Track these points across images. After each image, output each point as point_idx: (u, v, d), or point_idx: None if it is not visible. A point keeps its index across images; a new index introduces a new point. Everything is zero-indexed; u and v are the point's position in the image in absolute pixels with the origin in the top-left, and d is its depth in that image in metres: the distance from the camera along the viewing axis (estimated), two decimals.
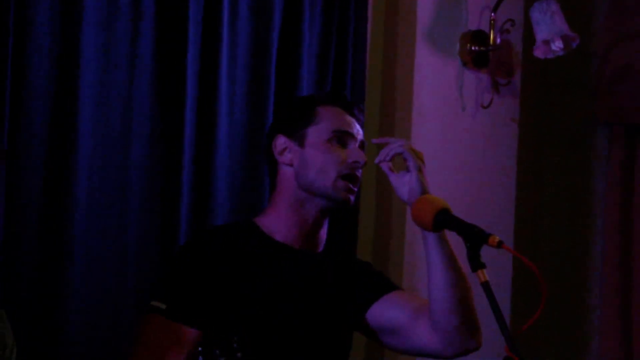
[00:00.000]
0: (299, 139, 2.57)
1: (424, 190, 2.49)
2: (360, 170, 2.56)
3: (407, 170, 2.52)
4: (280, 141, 2.59)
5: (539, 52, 3.67)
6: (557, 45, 3.65)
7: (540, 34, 3.64)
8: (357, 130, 2.59)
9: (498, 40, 3.73)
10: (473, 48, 3.72)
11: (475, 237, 2.18)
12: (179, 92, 3.07)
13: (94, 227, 2.93)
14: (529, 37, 3.75)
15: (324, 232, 2.60)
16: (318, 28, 3.42)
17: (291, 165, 2.56)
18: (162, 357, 2.39)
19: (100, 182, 2.95)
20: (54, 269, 2.86)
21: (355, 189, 2.56)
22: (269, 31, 3.29)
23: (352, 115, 2.60)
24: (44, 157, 2.86)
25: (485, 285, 2.12)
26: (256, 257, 2.52)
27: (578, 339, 4.03)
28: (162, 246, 3.04)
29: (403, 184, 2.52)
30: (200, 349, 2.16)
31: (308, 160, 2.55)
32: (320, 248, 2.60)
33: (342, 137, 2.56)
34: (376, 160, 2.54)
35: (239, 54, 3.24)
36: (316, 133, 2.56)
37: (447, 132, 3.70)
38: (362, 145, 2.60)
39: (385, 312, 2.56)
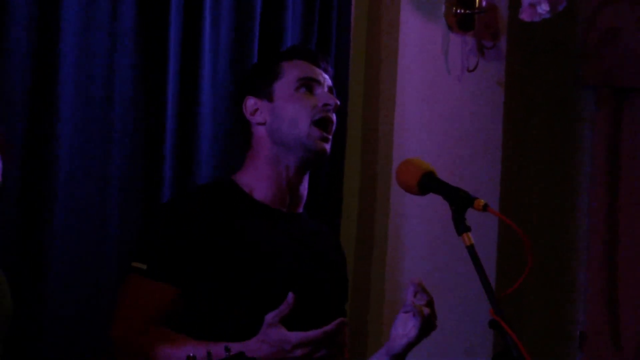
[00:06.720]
0: (268, 96, 2.60)
1: (400, 354, 2.45)
2: (334, 114, 2.57)
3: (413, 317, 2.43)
4: (250, 102, 2.62)
5: (525, 15, 3.64)
6: (543, 8, 3.61)
7: None
8: (324, 77, 2.61)
9: (484, 3, 3.70)
10: (458, 11, 3.69)
11: (460, 201, 2.18)
12: (161, 56, 3.04)
13: (77, 182, 2.90)
14: (515, 0, 3.72)
15: (303, 190, 2.62)
16: None
17: (264, 123, 2.59)
18: (144, 316, 2.43)
19: (82, 142, 2.92)
20: (37, 235, 2.83)
21: (330, 137, 2.58)
22: None
23: (318, 66, 2.62)
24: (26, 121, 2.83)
25: (470, 249, 2.13)
26: (235, 216, 2.53)
27: (563, 303, 4.03)
28: (144, 205, 3.01)
29: (401, 328, 2.44)
30: None
31: (279, 113, 2.58)
32: (301, 208, 2.63)
33: (309, 85, 2.59)
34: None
35: (222, 15, 3.20)
36: (283, 86, 2.60)
37: (433, 95, 3.68)
38: (330, 90, 2.61)
39: None
